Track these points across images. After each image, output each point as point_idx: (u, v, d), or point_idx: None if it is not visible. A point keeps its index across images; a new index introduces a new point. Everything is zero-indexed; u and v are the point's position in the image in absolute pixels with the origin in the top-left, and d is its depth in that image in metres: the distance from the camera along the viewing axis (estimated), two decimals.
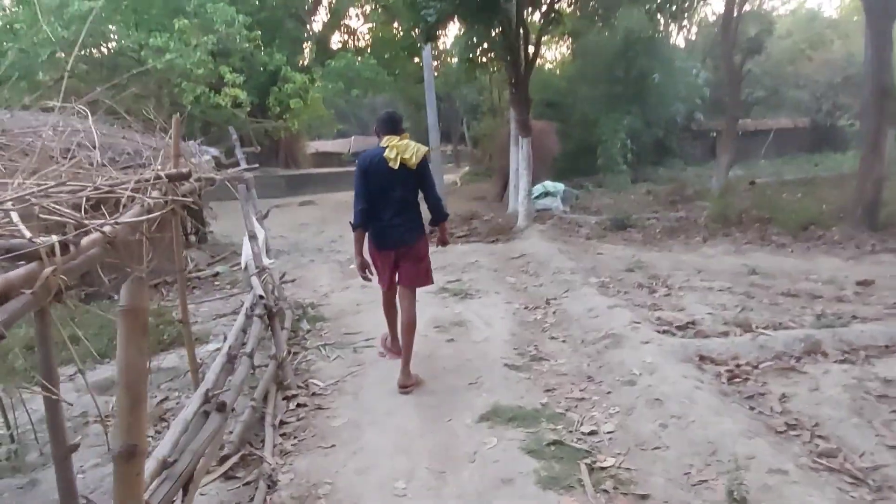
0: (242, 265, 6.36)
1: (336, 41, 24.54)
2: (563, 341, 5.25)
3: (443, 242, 4.78)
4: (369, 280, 4.54)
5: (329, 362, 5.22)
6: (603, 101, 20.67)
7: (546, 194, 14.34)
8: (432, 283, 4.72)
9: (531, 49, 10.40)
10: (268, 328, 4.93)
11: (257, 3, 17.88)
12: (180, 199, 2.63)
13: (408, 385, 4.39)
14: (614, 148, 19.32)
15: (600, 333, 5.12)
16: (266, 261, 5.94)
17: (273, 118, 16.64)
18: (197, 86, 12.96)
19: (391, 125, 4.34)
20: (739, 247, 9.01)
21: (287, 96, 15.38)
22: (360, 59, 18.07)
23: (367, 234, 4.41)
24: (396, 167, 4.15)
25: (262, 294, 4.90)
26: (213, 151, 11.33)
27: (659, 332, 5.05)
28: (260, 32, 14.62)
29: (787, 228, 9.67)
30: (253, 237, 5.53)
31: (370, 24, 23.50)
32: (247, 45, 13.80)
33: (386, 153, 4.17)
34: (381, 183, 4.20)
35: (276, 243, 12.90)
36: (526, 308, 6.39)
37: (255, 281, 5.13)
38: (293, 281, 8.36)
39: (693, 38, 28.49)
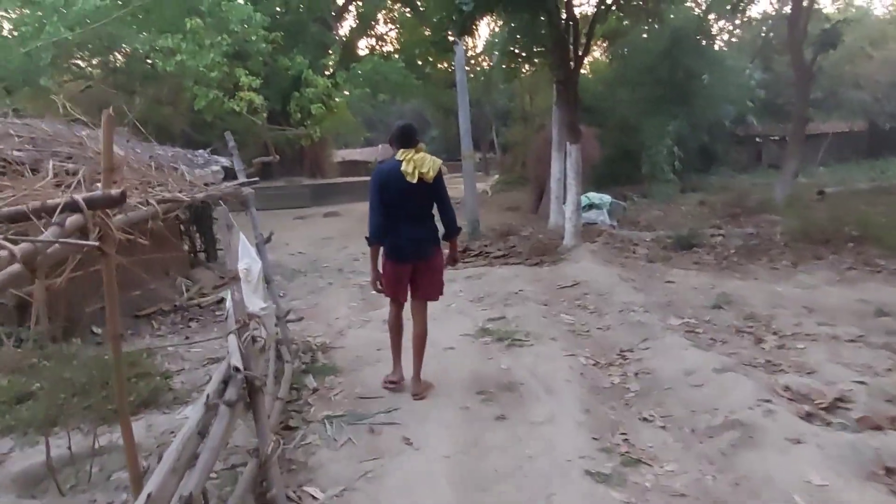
0: (224, 315, 4.93)
1: (363, 47, 23.32)
2: (663, 427, 3.68)
3: (453, 260, 4.55)
4: (381, 292, 4.45)
5: (335, 450, 3.76)
6: (645, 105, 19.03)
7: (591, 206, 12.75)
8: (442, 294, 4.58)
9: (579, 44, 8.88)
10: (249, 408, 3.50)
11: (279, 7, 16.67)
12: (114, 231, 1.99)
13: (420, 392, 4.35)
14: (660, 155, 17.64)
15: (717, 418, 3.56)
16: (257, 305, 4.49)
17: (294, 125, 15.37)
18: (210, 90, 11.73)
19: (406, 138, 4.22)
20: (842, 273, 7.33)
21: (308, 101, 14.08)
22: (386, 61, 16.72)
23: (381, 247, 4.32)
24: (414, 181, 4.05)
25: (240, 365, 3.45)
26: (223, 161, 10.04)
27: (803, 417, 3.49)
28: (281, 34, 13.37)
29: (890, 250, 7.96)
30: (237, 279, 4.07)
31: (398, 27, 22.15)
32: (264, 45, 12.51)
33: (403, 167, 4.07)
34: (398, 197, 4.11)
35: (293, 261, 11.58)
36: (595, 364, 4.84)
37: (232, 344, 3.68)
38: (300, 319, 6.93)
39: (736, 36, 26.63)
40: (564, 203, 12.85)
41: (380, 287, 4.38)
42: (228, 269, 4.12)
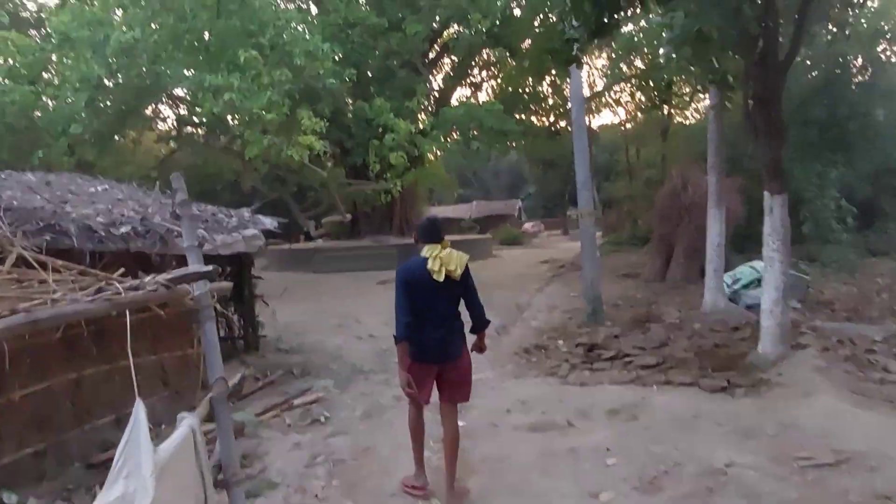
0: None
1: (458, 97, 20.84)
2: None
3: (480, 349, 4.17)
4: (414, 396, 3.91)
5: None
6: (793, 150, 15.05)
7: (760, 281, 9.01)
8: (469, 396, 4.19)
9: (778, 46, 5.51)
10: None
11: (362, 53, 14.46)
12: None
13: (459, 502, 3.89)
14: (826, 210, 13.52)
15: None
16: None
17: (374, 178, 12.83)
18: (265, 136, 9.31)
19: (432, 233, 3.99)
20: None
21: (388, 150, 11.43)
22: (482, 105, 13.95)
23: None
24: (441, 279, 3.80)
25: None
26: (266, 222, 7.38)
27: None
28: (354, 71, 10.98)
29: None
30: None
31: (496, 71, 19.48)
32: (333, 81, 9.98)
33: (429, 265, 3.82)
34: (425, 295, 3.84)
35: (358, 350, 8.60)
36: None
37: None
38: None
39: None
40: (728, 278, 9.23)
41: (411, 390, 3.85)
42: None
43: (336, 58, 10.15)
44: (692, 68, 5.12)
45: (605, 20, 5.46)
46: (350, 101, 14.81)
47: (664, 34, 4.18)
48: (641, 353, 6.60)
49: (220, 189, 17.39)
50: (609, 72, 17.09)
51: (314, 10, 15.24)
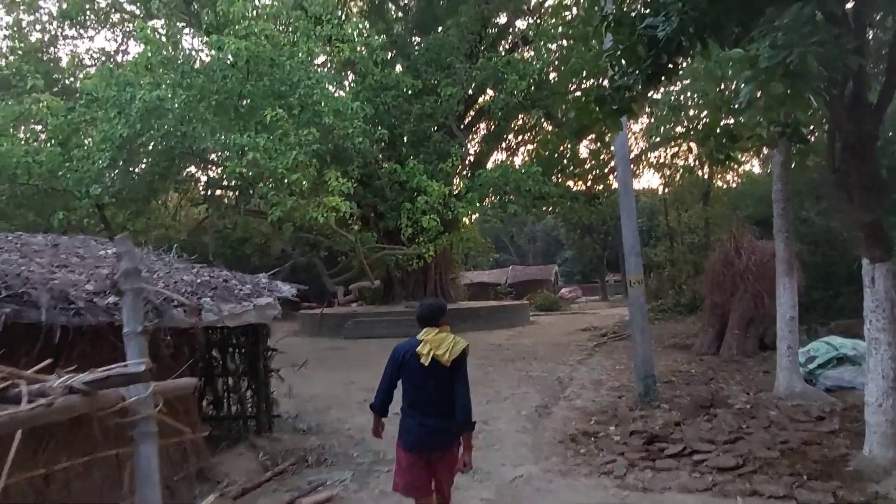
0: None
1: (494, 161, 20.41)
2: None
3: (464, 465, 3.75)
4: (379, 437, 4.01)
5: None
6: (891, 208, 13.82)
7: (840, 360, 7.83)
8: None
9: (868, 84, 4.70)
10: None
11: (396, 117, 14.18)
12: None
13: None
14: None
15: None
16: None
17: (406, 243, 12.18)
18: (290, 197, 8.80)
19: (428, 317, 3.88)
20: None
21: (420, 213, 10.82)
22: (519, 165, 13.32)
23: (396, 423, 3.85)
24: (427, 364, 3.68)
25: None
26: (285, 290, 6.69)
27: None
28: (386, 132, 10.57)
29: None
30: None
31: (533, 135, 19.04)
32: (361, 140, 9.51)
33: (419, 347, 3.73)
34: (414, 378, 3.75)
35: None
36: None
37: None
38: None
39: None
40: (801, 356, 8.07)
41: (380, 435, 3.97)
42: None
43: (365, 116, 9.73)
44: (770, 113, 4.36)
45: (662, 64, 4.75)
46: (383, 164, 14.42)
47: (743, 72, 3.39)
48: (713, 449, 5.50)
49: (251, 253, 17.05)
50: (653, 131, 16.37)
51: (350, 75, 15.19)
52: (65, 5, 15.34)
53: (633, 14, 4.82)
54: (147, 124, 8.46)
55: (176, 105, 8.60)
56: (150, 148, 9.02)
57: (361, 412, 8.59)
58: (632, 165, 23.99)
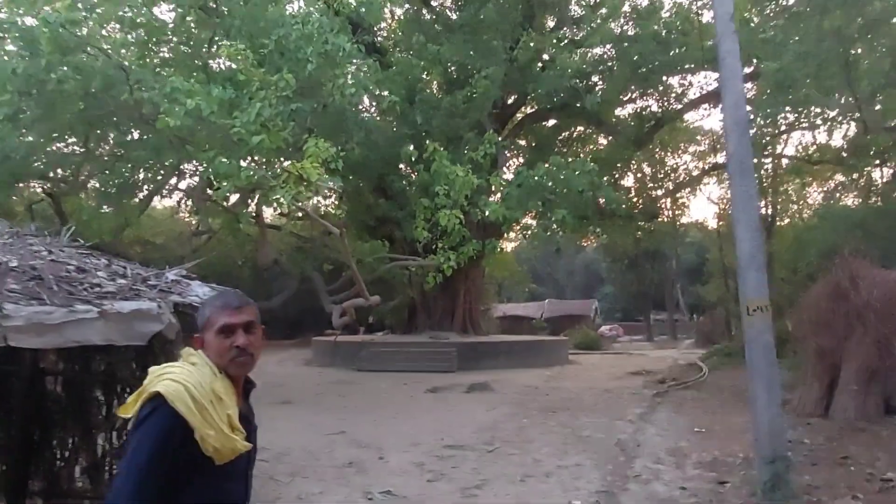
0: None
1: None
2: None
3: None
4: None
5: None
6: None
7: None
8: None
9: None
10: None
11: (422, 112, 11.70)
12: None
13: None
14: None
15: None
16: None
17: (420, 251, 9.43)
18: (246, 168, 6.04)
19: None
20: None
21: (436, 207, 7.97)
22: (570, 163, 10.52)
23: None
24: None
25: None
26: (198, 292, 4.02)
27: None
28: (397, 100, 8.04)
29: None
30: None
31: (580, 143, 16.27)
32: (353, 91, 6.81)
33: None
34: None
35: None
36: None
37: None
38: None
39: None
40: None
41: None
42: None
43: (369, 70, 7.16)
44: None
45: None
46: (403, 167, 11.84)
47: None
48: None
49: (242, 264, 14.62)
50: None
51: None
52: None
53: None
54: (59, 59, 6.00)
55: (106, 46, 6.22)
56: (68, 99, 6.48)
57: (338, 484, 5.79)
58: (685, 191, 21.07)
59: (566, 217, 9.24)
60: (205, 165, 6.19)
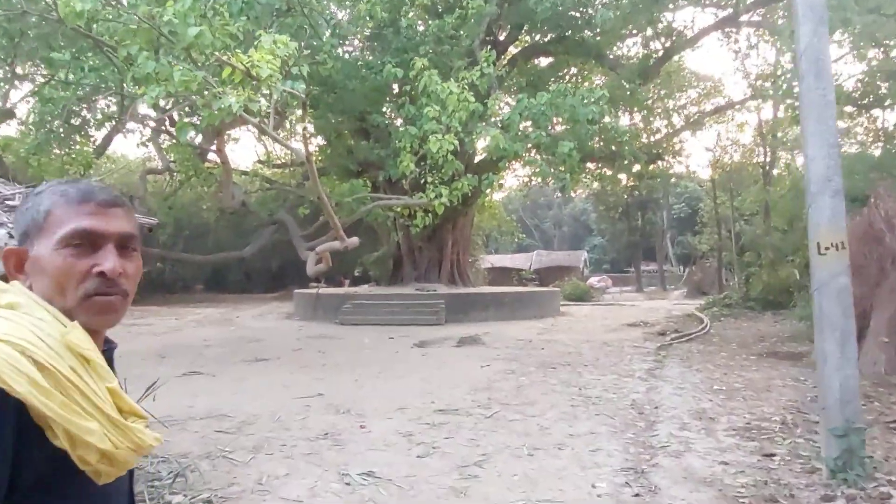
0: None
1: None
2: None
3: None
4: None
5: None
6: None
7: None
8: None
9: None
10: None
11: (415, 34, 10.29)
12: None
13: None
14: None
15: None
16: None
17: (406, 189, 8.20)
18: (176, 65, 4.66)
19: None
20: None
21: (425, 134, 6.50)
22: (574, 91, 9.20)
23: None
24: None
25: None
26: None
27: None
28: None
29: None
30: None
31: (579, 77, 14.87)
32: None
33: None
34: None
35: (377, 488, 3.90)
36: None
37: None
38: None
39: None
40: None
41: None
42: None
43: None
44: None
45: None
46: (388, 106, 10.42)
47: None
48: None
49: (208, 209, 13.24)
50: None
51: None
52: None
53: None
54: None
55: None
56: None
57: (308, 462, 4.74)
58: (685, 135, 19.82)
59: (572, 151, 8.04)
60: (129, 67, 4.89)
